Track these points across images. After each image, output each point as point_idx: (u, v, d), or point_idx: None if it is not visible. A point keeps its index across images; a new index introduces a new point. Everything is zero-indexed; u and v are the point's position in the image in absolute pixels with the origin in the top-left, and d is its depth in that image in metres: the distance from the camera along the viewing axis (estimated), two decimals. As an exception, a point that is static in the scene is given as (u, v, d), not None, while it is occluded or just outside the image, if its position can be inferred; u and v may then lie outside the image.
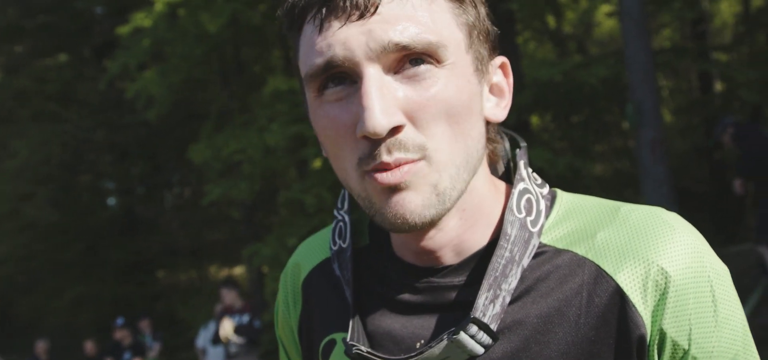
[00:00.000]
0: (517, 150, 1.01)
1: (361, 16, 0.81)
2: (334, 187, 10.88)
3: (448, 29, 0.85)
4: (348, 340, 0.95)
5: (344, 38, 0.81)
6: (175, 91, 12.76)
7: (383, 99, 0.80)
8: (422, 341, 0.94)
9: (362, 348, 0.92)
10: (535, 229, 0.94)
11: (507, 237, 0.91)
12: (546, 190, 1.00)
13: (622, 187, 11.78)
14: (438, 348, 0.87)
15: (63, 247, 18.00)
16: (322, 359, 1.05)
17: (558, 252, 0.93)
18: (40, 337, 12.92)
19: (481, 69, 0.91)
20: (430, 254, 0.95)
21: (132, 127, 17.28)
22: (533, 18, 15.14)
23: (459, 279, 0.94)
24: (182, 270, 22.19)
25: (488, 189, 0.97)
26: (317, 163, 11.25)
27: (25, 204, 15.86)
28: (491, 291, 0.88)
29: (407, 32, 0.81)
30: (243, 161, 10.76)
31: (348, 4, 0.81)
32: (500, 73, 0.96)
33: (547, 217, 0.96)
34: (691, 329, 0.87)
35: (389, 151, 0.81)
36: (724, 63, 12.30)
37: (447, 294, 0.94)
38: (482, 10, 0.92)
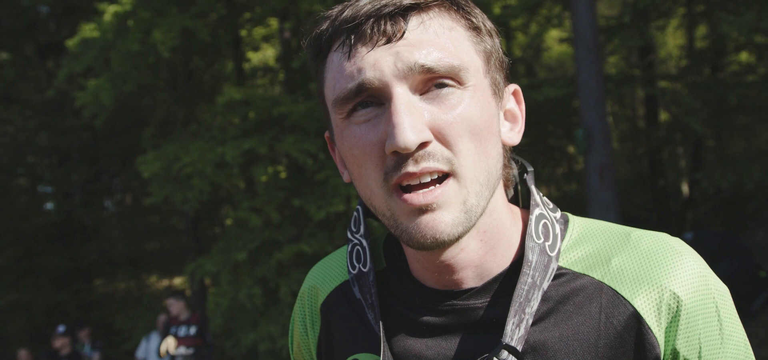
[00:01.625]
0: (526, 175, 1.08)
1: (388, 41, 0.87)
2: (282, 207, 10.83)
3: (468, 55, 0.91)
4: None
5: (374, 61, 0.87)
6: (123, 98, 12.52)
7: (412, 116, 0.85)
8: None
9: None
10: (553, 254, 0.99)
11: (529, 263, 0.96)
12: (558, 214, 1.06)
13: (570, 210, 11.98)
14: None
15: (-3, 251, 17.50)
16: None
17: (576, 276, 0.99)
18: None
19: (497, 94, 0.97)
20: (452, 276, 0.99)
21: (75, 130, 16.90)
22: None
23: (482, 301, 0.98)
24: (121, 279, 21.75)
25: (506, 212, 1.02)
26: (263, 178, 11.14)
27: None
28: (517, 316, 0.94)
29: (432, 56, 0.87)
30: (193, 175, 10.60)
31: (375, 30, 0.87)
32: (513, 100, 1.04)
33: (562, 240, 1.02)
34: (700, 347, 0.94)
35: (416, 162, 0.86)
36: (671, 91, 12.65)
37: (470, 316, 0.98)
38: (497, 41, 0.98)
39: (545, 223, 1.01)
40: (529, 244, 0.97)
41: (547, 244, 0.99)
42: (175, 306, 9.21)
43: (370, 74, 0.87)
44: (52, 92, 13.72)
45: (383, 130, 0.87)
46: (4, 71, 17.73)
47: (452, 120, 0.88)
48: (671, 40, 19.45)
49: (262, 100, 10.72)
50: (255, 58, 17.74)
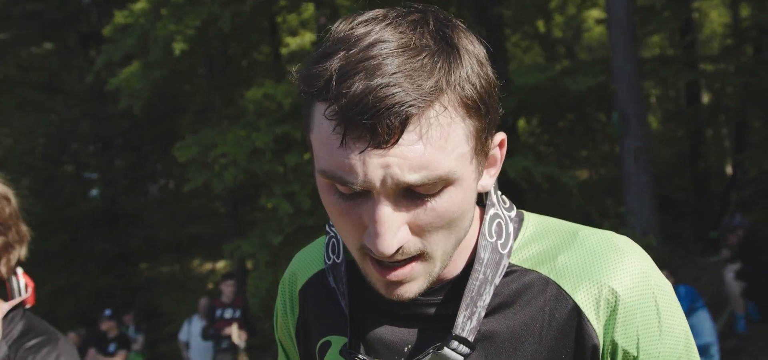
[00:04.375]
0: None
1: (379, 146, 0.83)
2: (314, 194, 10.92)
3: (458, 150, 0.88)
4: (347, 348, 1.09)
5: (364, 166, 0.84)
6: (158, 84, 12.71)
7: (394, 224, 0.88)
8: (409, 346, 1.07)
9: (361, 357, 1.07)
10: (505, 251, 1.06)
11: (481, 261, 1.03)
12: (514, 212, 1.11)
13: (604, 194, 11.84)
14: (426, 359, 1.01)
15: (45, 237, 17.88)
16: (319, 357, 1.18)
17: (525, 272, 1.05)
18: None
19: (483, 163, 0.97)
20: None
21: (116, 118, 17.20)
22: (523, 22, 15.20)
23: (437, 298, 1.06)
24: (164, 263, 22.13)
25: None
26: (294, 161, 11.21)
27: (6, 193, 15.66)
28: (468, 309, 1.01)
29: (421, 174, 0.85)
30: (227, 165, 10.75)
31: (368, 133, 0.83)
32: (497, 149, 1.03)
33: (515, 238, 1.08)
34: (638, 339, 1.00)
35: (392, 257, 0.90)
36: (712, 74, 12.37)
37: (429, 309, 1.06)
38: (495, 102, 0.95)
39: (499, 222, 1.07)
40: (481, 243, 1.04)
41: (499, 242, 1.05)
42: (228, 289, 9.34)
43: (359, 179, 0.85)
44: (91, 78, 13.95)
45: (365, 219, 0.89)
46: (48, 61, 18.11)
47: (431, 220, 0.90)
48: (715, 18, 18.99)
49: (293, 89, 10.77)
50: (293, 43, 17.79)
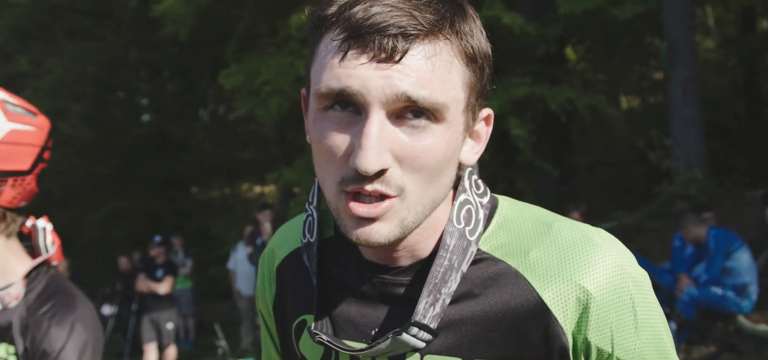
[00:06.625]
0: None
1: (384, 61, 0.88)
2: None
3: (455, 90, 0.93)
4: (312, 328, 1.08)
5: (364, 76, 0.88)
6: (202, 10, 12.70)
7: (380, 143, 0.89)
8: (375, 329, 1.07)
9: (324, 336, 1.06)
10: (474, 238, 1.05)
11: (446, 247, 1.02)
12: (486, 198, 1.10)
13: (652, 123, 11.58)
14: (384, 344, 1.01)
15: (98, 162, 18.32)
16: (295, 336, 1.19)
17: (495, 261, 1.04)
18: (75, 251, 13.23)
19: (469, 127, 1.00)
20: (389, 255, 1.06)
21: (164, 44, 17.30)
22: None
23: (406, 279, 1.06)
24: (214, 187, 22.50)
25: (446, 204, 1.06)
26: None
27: (59, 120, 16.02)
28: (431, 296, 1.00)
29: (420, 90, 0.89)
30: (272, 93, 10.77)
31: (376, 45, 0.88)
32: (483, 123, 1.05)
33: (485, 226, 1.07)
34: (613, 336, 1.00)
35: (371, 182, 0.91)
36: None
37: (395, 290, 1.07)
38: (487, 70, 0.99)
39: (469, 208, 1.06)
40: (448, 228, 1.03)
41: (467, 228, 1.04)
42: (266, 220, 9.48)
43: (355, 86, 0.88)
44: (134, 2, 13.93)
45: (351, 141, 0.91)
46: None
47: (416, 154, 0.91)
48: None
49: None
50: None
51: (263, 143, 20.13)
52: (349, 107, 0.91)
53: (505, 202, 1.11)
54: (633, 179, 14.17)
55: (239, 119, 18.71)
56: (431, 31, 0.89)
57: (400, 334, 0.99)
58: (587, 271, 1.00)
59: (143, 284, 9.71)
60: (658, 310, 1.05)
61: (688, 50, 9.50)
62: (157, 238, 10.32)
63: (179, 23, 12.28)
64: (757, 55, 14.07)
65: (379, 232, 0.94)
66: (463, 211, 1.05)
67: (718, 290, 6.51)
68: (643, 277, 1.04)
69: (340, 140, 0.92)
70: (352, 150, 0.90)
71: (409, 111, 0.90)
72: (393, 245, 1.01)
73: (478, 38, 0.96)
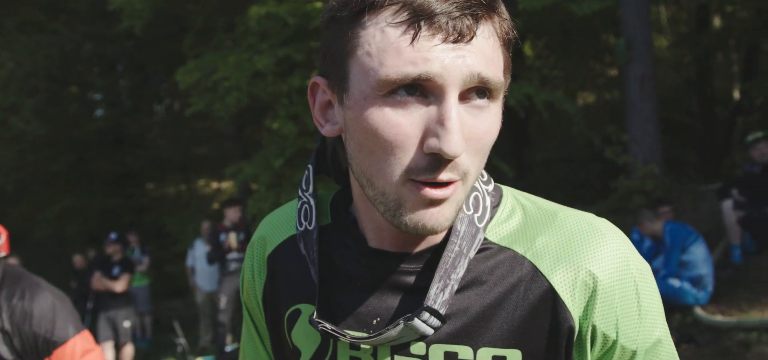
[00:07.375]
0: None
1: (457, 41, 0.86)
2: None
3: (502, 71, 0.93)
4: (314, 317, 1.05)
5: (443, 59, 0.86)
6: (158, 4, 12.52)
7: (460, 126, 0.87)
8: (378, 318, 1.05)
9: (327, 325, 1.03)
10: (481, 225, 1.04)
11: (457, 233, 1.01)
12: (491, 186, 1.10)
13: (609, 119, 11.77)
14: (395, 331, 0.98)
15: (51, 158, 17.95)
16: (288, 326, 1.16)
17: (501, 249, 1.05)
18: (28, 249, 12.98)
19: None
20: (405, 242, 1.05)
21: (119, 38, 17.02)
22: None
23: (414, 266, 1.04)
24: (170, 183, 22.24)
25: None
26: (297, 83, 11.09)
27: (11, 115, 15.64)
28: (442, 281, 0.99)
29: (491, 69, 0.89)
30: (229, 90, 10.66)
31: (449, 25, 0.86)
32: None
33: (492, 214, 1.07)
34: (617, 322, 1.00)
35: (445, 170, 0.90)
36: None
37: (401, 278, 1.05)
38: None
39: (476, 195, 1.06)
40: (458, 214, 1.01)
41: (476, 215, 1.04)
42: (233, 213, 9.38)
43: (435, 70, 0.85)
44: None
45: (425, 126, 0.88)
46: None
47: (480, 135, 0.92)
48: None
49: (297, 7, 10.56)
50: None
51: (219, 139, 19.95)
52: (417, 92, 0.89)
53: (509, 192, 1.12)
54: (589, 175, 14.37)
55: (195, 115, 18.52)
56: (488, 13, 0.90)
57: (412, 320, 0.97)
58: (594, 256, 1.01)
59: (99, 282, 9.56)
60: (659, 299, 1.07)
61: (644, 47, 9.67)
62: (113, 235, 10.16)
63: (136, 17, 12.08)
64: (710, 53, 14.39)
65: (444, 215, 0.93)
66: (471, 198, 1.05)
67: (675, 282, 6.64)
68: (645, 266, 1.05)
69: (409, 128, 0.89)
70: (428, 136, 0.88)
71: (473, 91, 0.90)
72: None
73: (510, 23, 0.96)
